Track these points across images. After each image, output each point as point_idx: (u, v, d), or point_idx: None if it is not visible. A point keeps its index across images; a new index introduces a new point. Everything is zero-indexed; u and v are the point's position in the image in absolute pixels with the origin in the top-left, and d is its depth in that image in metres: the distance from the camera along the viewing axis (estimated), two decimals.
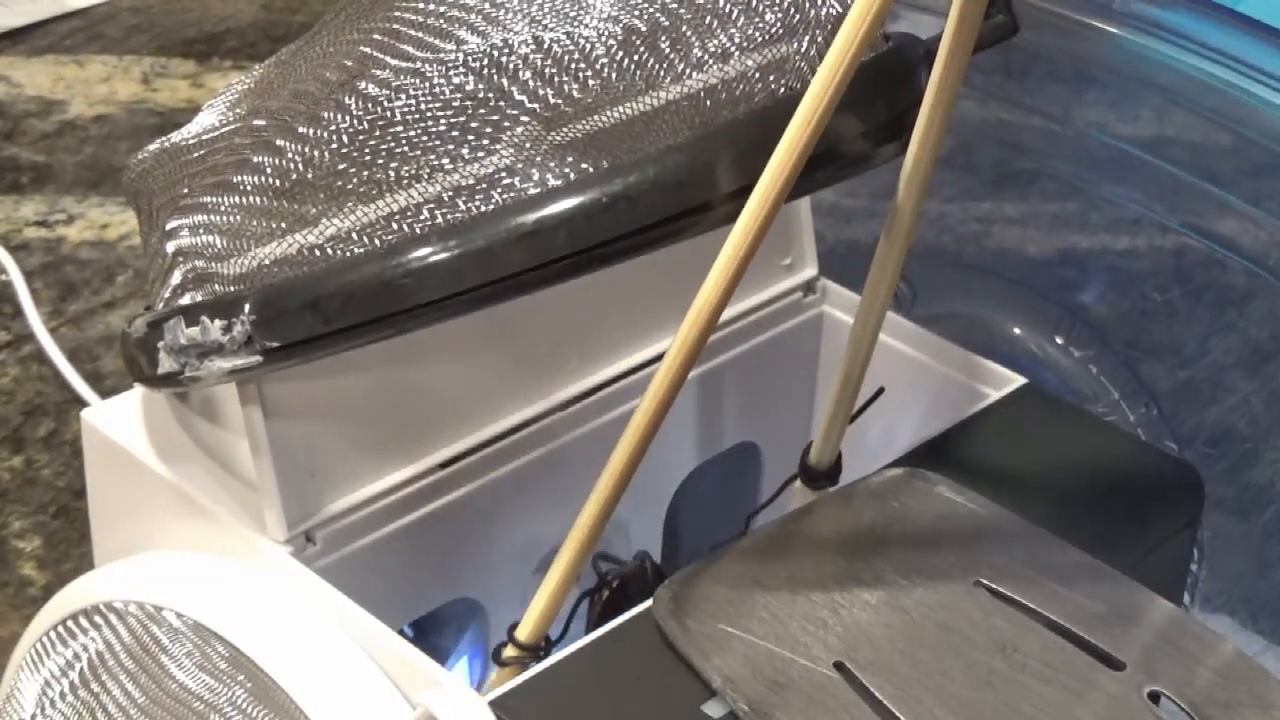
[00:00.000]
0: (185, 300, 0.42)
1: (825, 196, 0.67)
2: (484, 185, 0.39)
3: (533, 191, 0.39)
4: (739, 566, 0.39)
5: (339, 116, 0.40)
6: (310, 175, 0.40)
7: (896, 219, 0.41)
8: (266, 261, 0.40)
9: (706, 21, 0.40)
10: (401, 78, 0.40)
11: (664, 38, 0.40)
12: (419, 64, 0.40)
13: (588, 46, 0.40)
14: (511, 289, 0.38)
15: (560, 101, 0.40)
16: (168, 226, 0.43)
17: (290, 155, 0.41)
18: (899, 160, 0.41)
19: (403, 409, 0.46)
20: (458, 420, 0.47)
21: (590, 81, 0.40)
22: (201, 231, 0.42)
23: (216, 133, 0.44)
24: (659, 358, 0.51)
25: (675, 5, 0.41)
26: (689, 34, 0.40)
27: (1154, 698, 0.36)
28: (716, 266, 0.38)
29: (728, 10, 0.40)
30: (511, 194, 0.39)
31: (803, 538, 0.41)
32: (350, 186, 0.40)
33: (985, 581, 0.39)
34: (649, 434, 0.40)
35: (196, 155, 0.44)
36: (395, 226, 0.39)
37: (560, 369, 0.49)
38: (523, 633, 0.41)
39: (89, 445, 0.49)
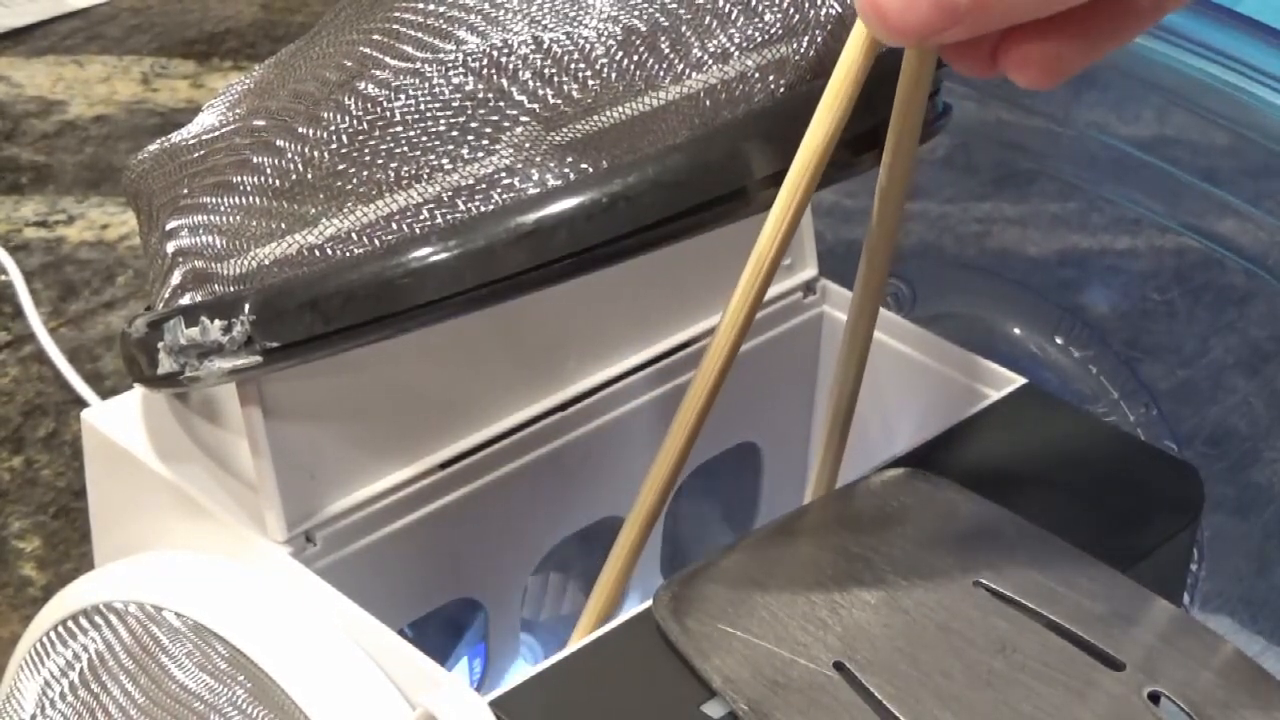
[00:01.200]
0: (185, 300, 0.42)
1: (825, 196, 0.67)
2: (484, 185, 0.39)
3: (533, 191, 0.39)
4: (739, 566, 0.39)
5: (339, 117, 0.40)
6: (310, 175, 0.40)
7: (872, 257, 0.41)
8: (266, 262, 0.40)
9: (706, 22, 0.40)
10: (401, 78, 0.40)
11: (663, 38, 0.40)
12: (418, 64, 0.40)
13: (587, 47, 0.40)
14: (511, 289, 0.38)
15: (560, 102, 0.40)
16: (167, 227, 0.43)
17: (290, 155, 0.41)
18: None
19: (403, 409, 0.46)
20: (458, 420, 0.47)
21: (590, 82, 0.40)
22: (201, 232, 0.42)
23: (216, 133, 0.44)
24: (660, 358, 0.51)
25: (675, 5, 0.41)
26: (688, 34, 0.40)
27: (1154, 698, 0.36)
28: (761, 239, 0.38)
29: (727, 10, 0.40)
30: (511, 194, 0.39)
31: (803, 538, 0.41)
32: (350, 187, 0.40)
33: (985, 581, 0.39)
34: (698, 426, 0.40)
35: (196, 155, 0.44)
36: (395, 227, 0.39)
37: (560, 369, 0.49)
38: (586, 621, 0.40)
39: (89, 445, 0.49)
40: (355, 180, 0.40)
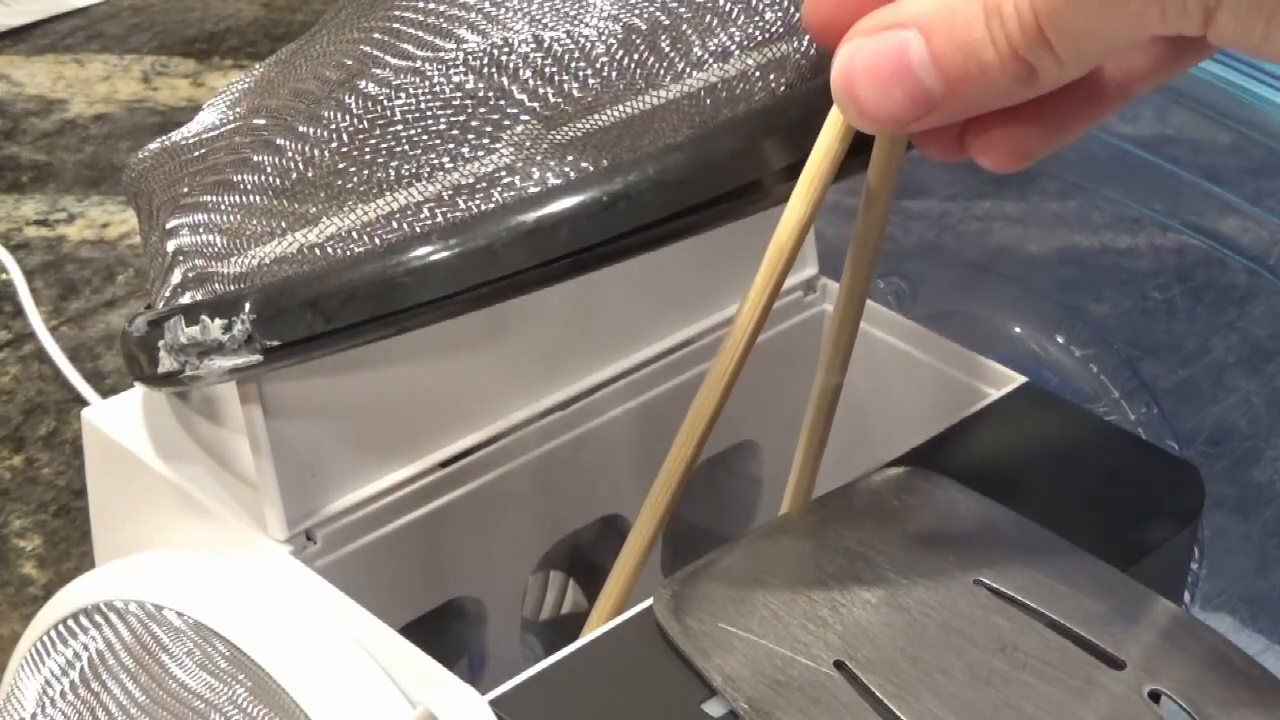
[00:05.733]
0: (185, 299, 0.42)
1: (825, 196, 0.67)
2: (484, 184, 0.39)
3: (533, 190, 0.39)
4: (739, 565, 0.39)
5: (339, 115, 0.40)
6: (310, 174, 0.40)
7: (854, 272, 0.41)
8: (267, 260, 0.40)
9: (707, 20, 0.40)
10: (402, 76, 0.40)
11: (664, 36, 0.40)
12: (419, 63, 0.40)
13: (588, 45, 0.40)
14: (512, 288, 0.38)
15: (560, 100, 0.40)
16: (168, 225, 0.43)
17: (290, 154, 0.41)
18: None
19: (403, 408, 0.46)
20: (458, 420, 0.47)
21: (590, 80, 0.40)
22: (202, 230, 0.42)
23: (217, 131, 0.44)
24: (660, 356, 0.51)
25: (675, 4, 0.41)
26: (689, 32, 0.40)
27: (1154, 696, 0.36)
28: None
29: (728, 9, 0.40)
30: (512, 193, 0.39)
31: (803, 536, 0.41)
32: (350, 185, 0.40)
33: (985, 580, 0.39)
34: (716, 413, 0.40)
35: (197, 154, 0.44)
36: (396, 225, 0.39)
37: (560, 368, 0.49)
38: (595, 621, 0.40)
39: (89, 444, 0.49)
40: (356, 179, 0.40)
